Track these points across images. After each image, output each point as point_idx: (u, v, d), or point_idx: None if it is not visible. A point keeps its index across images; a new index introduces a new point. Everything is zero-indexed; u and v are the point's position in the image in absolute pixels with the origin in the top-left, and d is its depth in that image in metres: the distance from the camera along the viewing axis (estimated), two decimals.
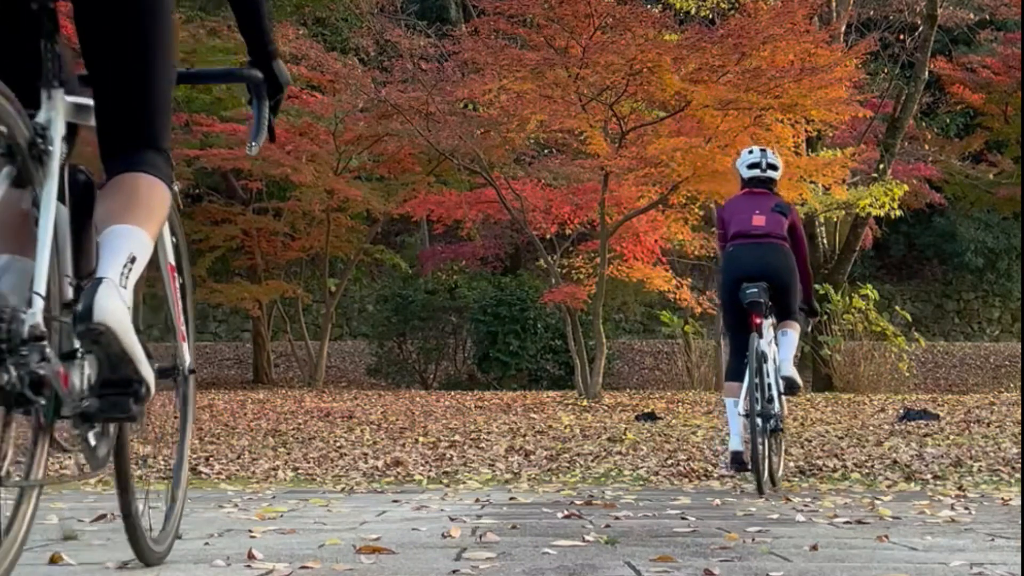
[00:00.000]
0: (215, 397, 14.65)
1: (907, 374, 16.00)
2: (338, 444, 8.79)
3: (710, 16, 17.41)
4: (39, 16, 2.12)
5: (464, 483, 6.64)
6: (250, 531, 3.75)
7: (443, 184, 18.27)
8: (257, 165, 17.02)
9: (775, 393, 5.93)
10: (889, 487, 6.27)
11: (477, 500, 5.38)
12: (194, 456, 8.00)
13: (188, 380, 2.77)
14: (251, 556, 2.91)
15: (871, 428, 9.48)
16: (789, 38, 12.70)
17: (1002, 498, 5.49)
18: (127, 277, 2.12)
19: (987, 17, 22.86)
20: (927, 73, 18.65)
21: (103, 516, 4.36)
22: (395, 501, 5.36)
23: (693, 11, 17.51)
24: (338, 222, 17.93)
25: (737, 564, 2.84)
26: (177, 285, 2.61)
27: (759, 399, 5.77)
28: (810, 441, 8.52)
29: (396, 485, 6.60)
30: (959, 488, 6.14)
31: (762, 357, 5.86)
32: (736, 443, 5.98)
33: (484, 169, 15.06)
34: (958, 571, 2.74)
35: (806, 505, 5.04)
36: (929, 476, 6.73)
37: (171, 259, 2.58)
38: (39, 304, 1.95)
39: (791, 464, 7.23)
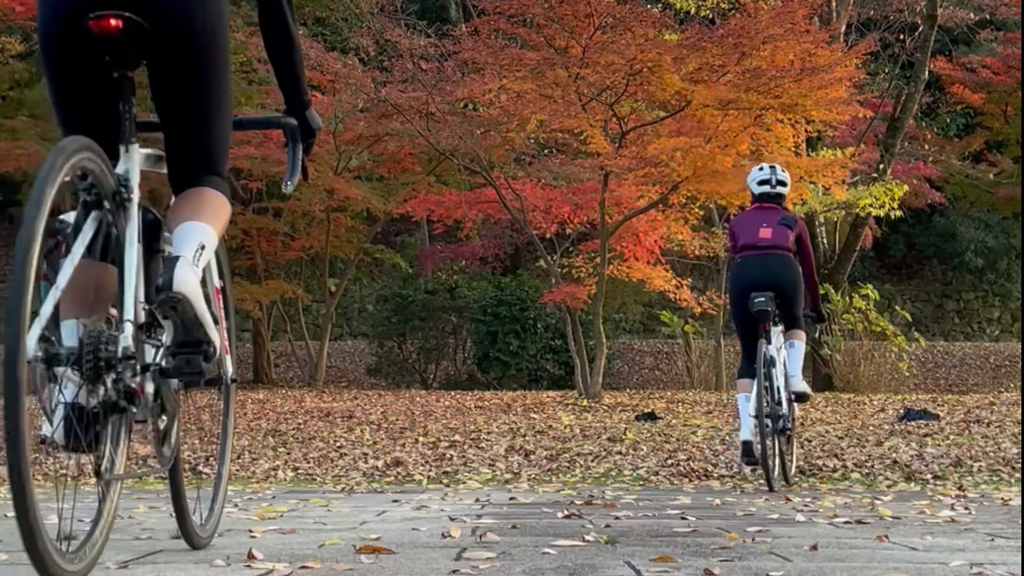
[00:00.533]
0: (215, 397, 14.65)
1: (907, 374, 16.00)
2: (338, 444, 8.79)
3: (710, 16, 17.40)
4: (119, 83, 2.54)
5: (464, 483, 6.64)
6: (250, 531, 3.76)
7: (443, 184, 18.26)
8: (257, 165, 17.01)
9: (783, 396, 6.26)
10: (889, 487, 6.27)
11: (477, 500, 5.38)
12: (194, 456, 8.00)
13: (230, 388, 3.24)
14: (251, 556, 2.91)
15: (871, 428, 9.48)
16: (789, 38, 12.70)
17: (1002, 498, 5.49)
18: (199, 259, 2.51)
19: (987, 17, 22.87)
20: (927, 73, 18.65)
21: None
22: (395, 501, 5.36)
23: (693, 11, 17.51)
24: (338, 222, 17.93)
25: (737, 564, 2.84)
26: (222, 306, 3.00)
27: (768, 402, 6.12)
28: (810, 441, 8.52)
29: (396, 485, 6.60)
30: (959, 488, 6.14)
31: (770, 362, 6.21)
32: (746, 434, 6.29)
33: (484, 169, 15.06)
34: (958, 571, 2.74)
35: (806, 505, 5.04)
36: (929, 476, 6.73)
37: (217, 283, 3.00)
38: (129, 328, 2.39)
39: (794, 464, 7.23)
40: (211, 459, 7.30)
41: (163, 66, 2.61)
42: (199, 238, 2.55)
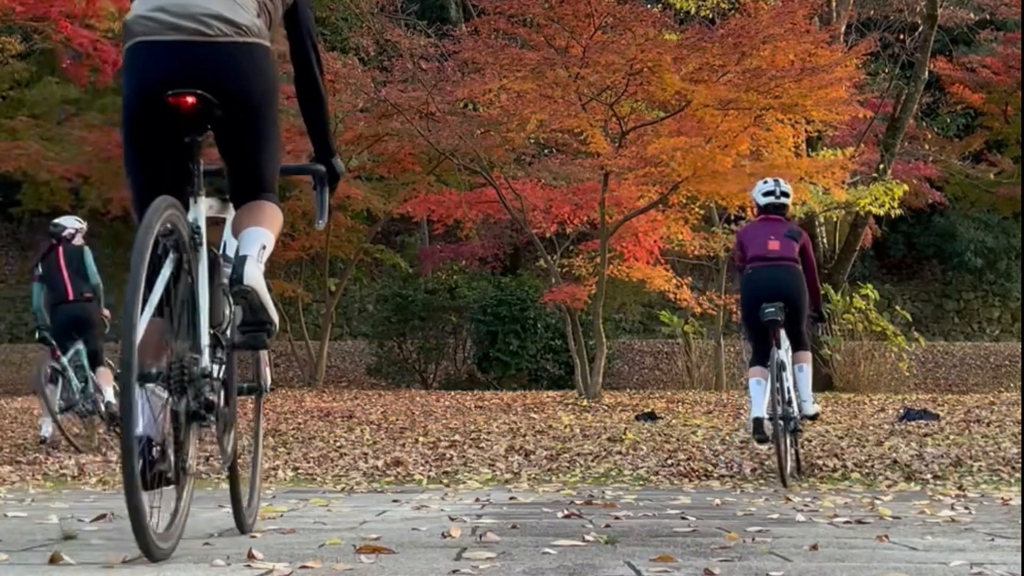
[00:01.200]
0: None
1: (907, 374, 16.00)
2: (338, 444, 8.78)
3: (710, 16, 17.40)
4: (190, 146, 3.09)
5: (464, 483, 6.63)
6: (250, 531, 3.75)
7: (443, 184, 18.27)
8: None
9: (792, 396, 6.62)
10: (889, 487, 6.27)
11: (477, 500, 5.38)
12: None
13: (261, 396, 3.70)
14: (251, 556, 2.91)
15: (871, 428, 9.48)
16: (789, 38, 12.70)
17: (1002, 498, 5.49)
18: (261, 257, 3.09)
19: (987, 17, 22.87)
20: (927, 73, 18.64)
21: (103, 516, 4.36)
22: (395, 501, 5.35)
23: (693, 11, 17.51)
24: (338, 222, 17.92)
25: (737, 564, 2.84)
26: None
27: (780, 402, 6.52)
28: (810, 441, 8.52)
29: (396, 485, 6.60)
30: (959, 488, 6.14)
31: (781, 366, 6.63)
32: (758, 411, 6.63)
33: (484, 169, 15.06)
34: (958, 571, 2.74)
35: (806, 505, 5.04)
36: (929, 476, 6.73)
37: None
38: (206, 352, 2.98)
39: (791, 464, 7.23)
40: (211, 459, 7.34)
41: (227, 129, 3.16)
42: (260, 240, 3.13)
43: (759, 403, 6.66)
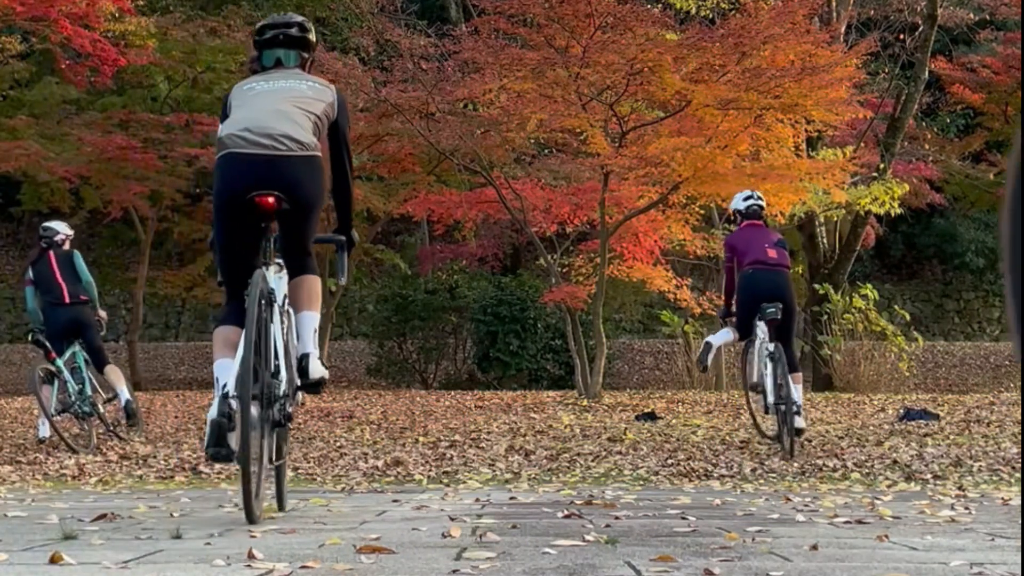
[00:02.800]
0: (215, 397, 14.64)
1: (907, 374, 15.99)
2: (338, 444, 8.78)
3: (710, 16, 17.40)
4: (264, 230, 4.32)
5: (464, 483, 6.63)
6: (250, 531, 3.75)
7: (443, 184, 18.27)
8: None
9: (784, 382, 7.51)
10: (889, 487, 6.27)
11: (477, 500, 5.38)
12: (194, 456, 8.00)
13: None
14: (251, 556, 2.91)
15: (871, 428, 9.48)
16: (789, 38, 12.69)
17: (1002, 498, 5.49)
18: (316, 343, 4.34)
19: (987, 17, 22.88)
20: (927, 73, 18.64)
21: (103, 516, 4.36)
22: (395, 501, 5.35)
23: (693, 11, 17.51)
24: None
25: (737, 564, 2.84)
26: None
27: (774, 389, 7.55)
28: (810, 441, 8.52)
29: (396, 485, 6.60)
30: (959, 488, 6.14)
31: (772, 357, 7.60)
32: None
33: (484, 169, 15.06)
34: (958, 571, 2.74)
35: (806, 505, 5.04)
36: (929, 476, 6.73)
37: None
38: (284, 375, 4.21)
39: (794, 464, 7.23)
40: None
41: (290, 218, 4.31)
42: (312, 325, 4.35)
43: (723, 337, 8.08)
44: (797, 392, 7.56)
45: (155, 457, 7.98)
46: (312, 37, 4.66)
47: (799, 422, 7.54)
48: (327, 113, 4.45)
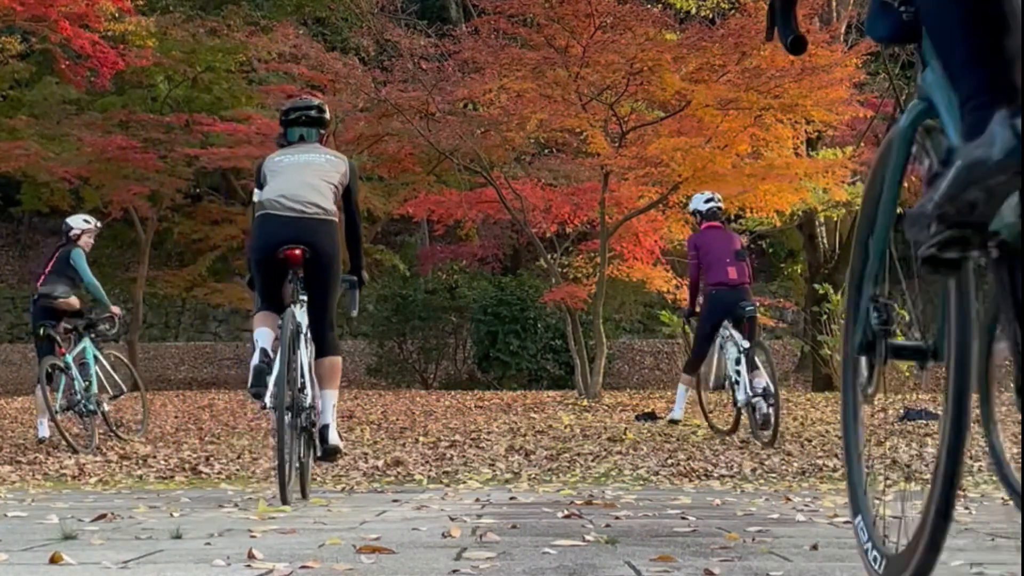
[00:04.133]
0: (215, 397, 14.65)
1: (907, 374, 15.97)
2: None
3: (710, 16, 17.39)
4: (294, 277, 5.29)
5: (464, 483, 6.63)
6: (250, 531, 3.75)
7: (443, 184, 18.26)
8: (257, 164, 16.99)
9: (765, 377, 8.28)
10: (889, 487, 6.27)
11: (477, 500, 5.38)
12: (194, 456, 8.00)
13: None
14: (251, 556, 2.91)
15: (871, 428, 9.46)
16: None
17: (1002, 498, 5.48)
18: (335, 415, 5.41)
19: None
20: None
21: (103, 516, 4.37)
22: (395, 501, 5.35)
23: (693, 10, 17.50)
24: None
25: (737, 564, 2.84)
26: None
27: (747, 386, 8.32)
28: (810, 441, 8.52)
29: (396, 485, 6.60)
30: (959, 488, 6.13)
31: (746, 353, 8.44)
32: (679, 407, 9.48)
33: (484, 169, 15.05)
34: (958, 571, 2.74)
35: (806, 505, 5.04)
36: (929, 476, 6.72)
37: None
38: (308, 391, 5.21)
39: (794, 464, 7.23)
40: (211, 459, 7.44)
41: (312, 270, 5.34)
42: (332, 401, 5.43)
43: (682, 399, 9.45)
44: (772, 385, 8.23)
45: (155, 457, 7.99)
46: (328, 116, 5.83)
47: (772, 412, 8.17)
48: (342, 181, 5.58)
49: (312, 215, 5.37)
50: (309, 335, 5.35)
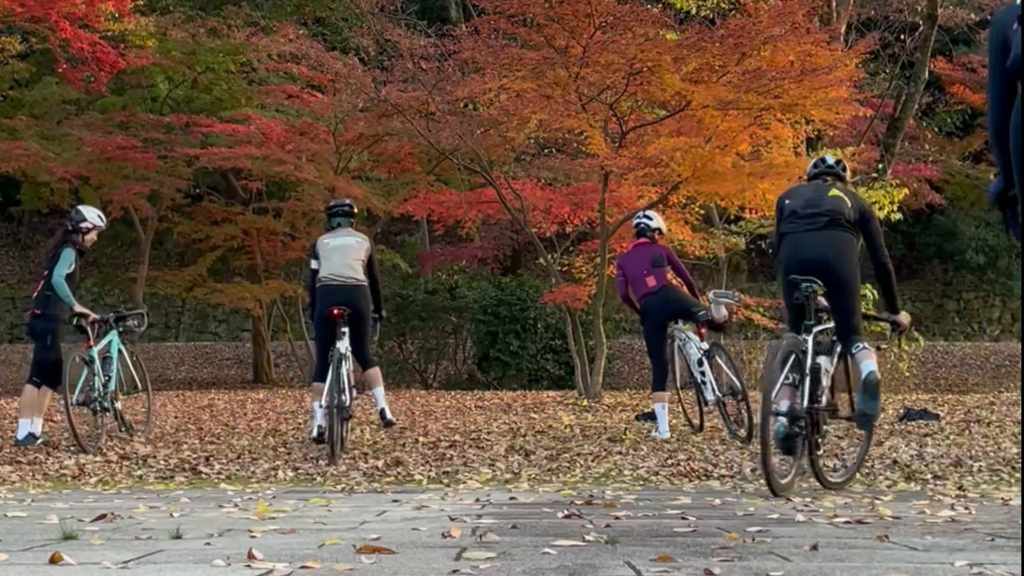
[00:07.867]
0: (215, 397, 14.65)
1: (907, 374, 15.99)
2: None
3: (710, 16, 17.39)
4: (340, 326, 8.07)
5: (464, 483, 6.63)
6: (250, 531, 3.75)
7: (443, 184, 18.26)
8: (257, 164, 17.01)
9: (731, 379, 8.76)
10: (889, 487, 6.27)
11: (477, 500, 5.38)
12: (194, 456, 8.00)
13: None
14: (251, 556, 2.91)
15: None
16: (789, 38, 12.68)
17: (1002, 498, 5.48)
18: (386, 401, 8.46)
19: (987, 17, 22.85)
20: (927, 73, 18.64)
21: (103, 516, 4.36)
22: (395, 501, 5.35)
23: (693, 11, 17.50)
24: None
25: (737, 564, 2.84)
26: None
27: (712, 384, 8.84)
28: None
29: (396, 485, 6.60)
30: (959, 488, 6.13)
31: (707, 355, 8.90)
32: (662, 425, 9.17)
33: (484, 169, 15.05)
34: (958, 571, 2.74)
35: (806, 505, 5.03)
36: (929, 476, 6.73)
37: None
38: (346, 395, 7.92)
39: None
40: (211, 459, 7.42)
41: (353, 320, 8.16)
42: (381, 394, 8.35)
43: (663, 418, 9.10)
44: (738, 382, 8.68)
45: (155, 457, 7.98)
46: (355, 209, 8.60)
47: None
48: (367, 256, 8.28)
49: (352, 284, 8.12)
50: (351, 357, 7.98)
